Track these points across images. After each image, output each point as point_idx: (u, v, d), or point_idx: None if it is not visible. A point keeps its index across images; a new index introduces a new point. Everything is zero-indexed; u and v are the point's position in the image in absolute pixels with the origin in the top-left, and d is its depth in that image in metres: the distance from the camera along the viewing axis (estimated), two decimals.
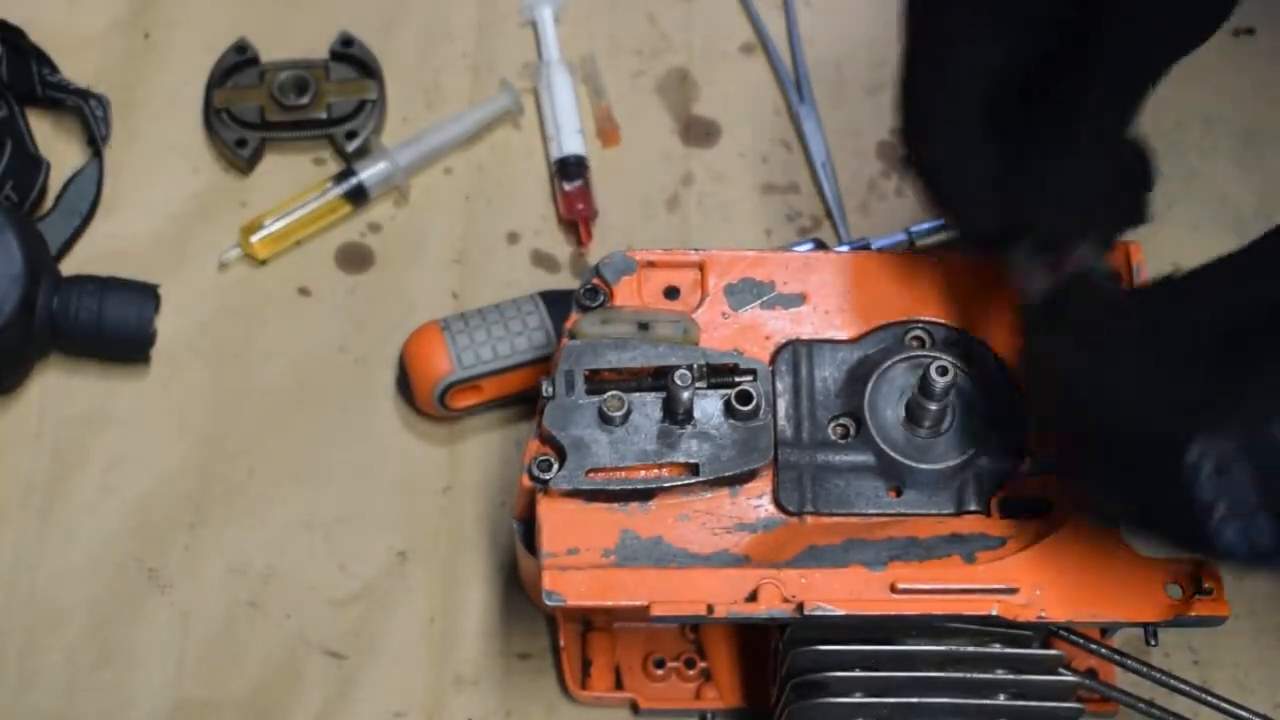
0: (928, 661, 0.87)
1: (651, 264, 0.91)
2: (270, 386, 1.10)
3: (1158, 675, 0.89)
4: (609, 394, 0.86)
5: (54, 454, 1.08)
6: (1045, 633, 0.88)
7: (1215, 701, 0.89)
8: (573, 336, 0.88)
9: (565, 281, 1.12)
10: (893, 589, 0.84)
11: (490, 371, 1.05)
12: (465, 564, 1.05)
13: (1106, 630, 0.94)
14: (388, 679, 1.03)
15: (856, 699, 0.87)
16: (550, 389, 0.87)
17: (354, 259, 1.14)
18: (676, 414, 0.86)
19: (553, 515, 0.86)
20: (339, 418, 1.09)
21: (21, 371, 1.08)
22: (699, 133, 1.18)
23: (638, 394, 0.87)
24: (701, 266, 0.91)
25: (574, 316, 0.89)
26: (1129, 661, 0.89)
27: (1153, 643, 0.87)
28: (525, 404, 1.07)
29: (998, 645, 0.87)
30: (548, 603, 0.84)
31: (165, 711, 1.02)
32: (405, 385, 1.07)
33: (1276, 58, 1.19)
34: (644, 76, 1.19)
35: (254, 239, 1.12)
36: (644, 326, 0.88)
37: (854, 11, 1.22)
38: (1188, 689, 0.89)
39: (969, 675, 0.86)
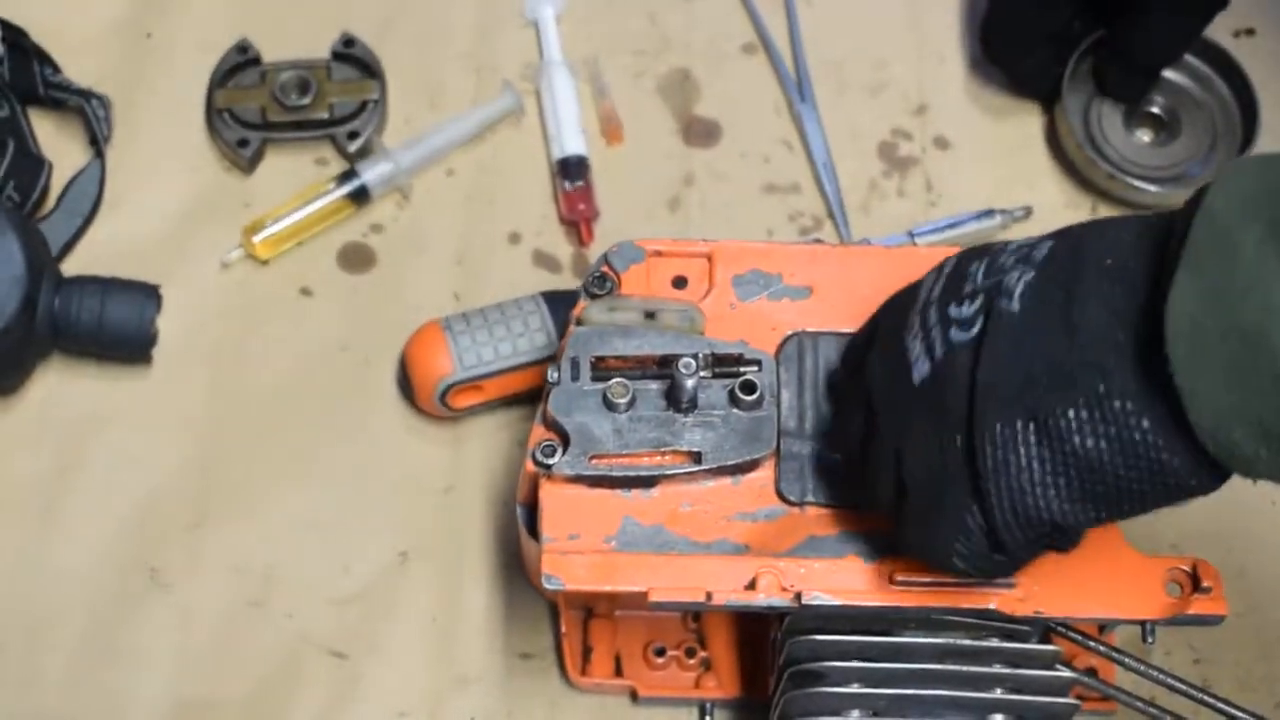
0: (925, 654, 0.87)
1: (660, 253, 0.92)
2: (272, 386, 1.10)
3: (1155, 674, 0.89)
4: (614, 381, 0.86)
5: (54, 454, 1.08)
6: (1043, 628, 0.88)
7: (1212, 701, 0.89)
8: (580, 323, 0.88)
9: (567, 282, 1.12)
10: (891, 581, 0.85)
11: (492, 372, 1.05)
12: (467, 563, 1.05)
13: (1104, 627, 0.94)
14: (389, 678, 1.02)
15: (853, 689, 0.87)
16: (556, 374, 0.87)
17: (356, 259, 1.14)
18: (681, 402, 0.86)
19: (555, 500, 0.86)
20: (340, 417, 1.09)
21: (23, 372, 1.08)
22: (700, 133, 1.18)
23: (643, 381, 0.87)
24: (709, 257, 0.92)
25: (582, 303, 0.89)
26: (1126, 659, 0.89)
27: (1149, 640, 0.87)
28: (527, 404, 1.07)
29: (995, 639, 0.87)
30: (546, 586, 0.84)
31: (165, 711, 1.01)
32: (407, 385, 1.07)
33: (1276, 57, 1.19)
34: (645, 77, 1.20)
35: (256, 239, 1.12)
36: (651, 315, 0.89)
37: (854, 11, 1.23)
38: (1184, 687, 0.89)
39: (965, 668, 0.86)
